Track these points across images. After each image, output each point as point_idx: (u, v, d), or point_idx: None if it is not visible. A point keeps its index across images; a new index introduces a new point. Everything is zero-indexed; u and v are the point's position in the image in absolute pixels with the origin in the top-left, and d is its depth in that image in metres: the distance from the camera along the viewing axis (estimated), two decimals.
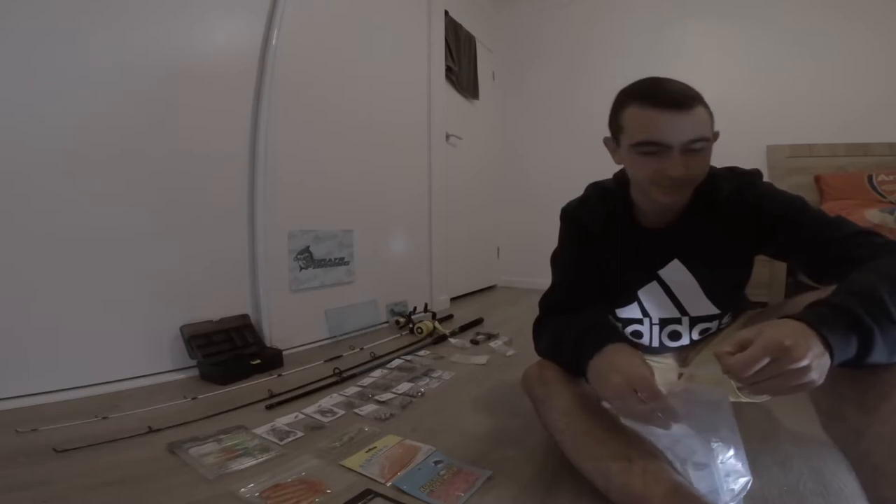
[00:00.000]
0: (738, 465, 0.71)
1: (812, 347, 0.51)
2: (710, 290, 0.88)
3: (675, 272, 0.88)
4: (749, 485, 0.72)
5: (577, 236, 0.94)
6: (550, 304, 0.96)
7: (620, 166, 0.89)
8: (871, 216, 1.84)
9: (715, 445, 0.69)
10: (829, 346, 0.51)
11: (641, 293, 0.91)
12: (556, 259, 1.00)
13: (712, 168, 0.81)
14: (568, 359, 0.82)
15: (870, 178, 2.22)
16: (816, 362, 0.50)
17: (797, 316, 0.55)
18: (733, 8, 2.78)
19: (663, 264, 0.88)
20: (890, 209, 1.84)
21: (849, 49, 2.52)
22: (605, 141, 0.86)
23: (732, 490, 0.69)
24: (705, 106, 0.73)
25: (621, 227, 0.89)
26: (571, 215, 0.97)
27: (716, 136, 0.77)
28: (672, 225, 0.86)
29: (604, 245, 0.90)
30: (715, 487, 0.67)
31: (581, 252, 0.94)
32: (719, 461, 0.68)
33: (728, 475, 0.70)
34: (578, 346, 0.78)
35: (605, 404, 0.78)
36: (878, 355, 0.53)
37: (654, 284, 0.89)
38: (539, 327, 0.96)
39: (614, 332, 0.82)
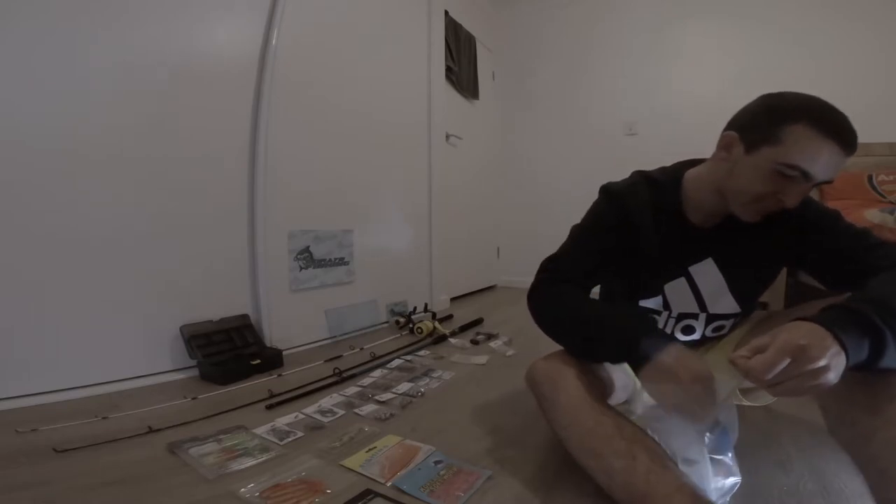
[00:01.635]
0: (729, 464, 0.71)
1: (829, 347, 0.52)
2: (736, 289, 0.88)
3: (706, 270, 0.88)
4: (738, 485, 0.72)
5: (616, 221, 0.89)
6: (557, 273, 0.90)
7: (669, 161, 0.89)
8: (871, 216, 1.84)
9: (707, 442, 0.70)
10: (843, 347, 0.52)
11: (667, 287, 0.91)
12: (581, 233, 0.94)
13: None
14: (600, 341, 0.78)
15: (870, 178, 2.22)
16: (834, 362, 0.51)
17: (811, 318, 0.56)
18: (733, 8, 2.78)
19: (696, 261, 0.88)
20: (890, 209, 1.84)
21: (849, 49, 2.52)
22: (728, 137, 0.78)
23: (721, 489, 0.70)
24: None
25: (666, 220, 0.87)
26: (616, 197, 0.90)
27: None
28: (717, 225, 0.86)
29: (642, 236, 0.88)
30: (703, 486, 0.67)
31: (612, 237, 0.89)
32: (709, 459, 0.69)
33: (717, 474, 0.70)
34: (632, 334, 0.74)
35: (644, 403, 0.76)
36: (890, 359, 0.54)
37: (682, 280, 0.90)
38: (543, 295, 0.90)
39: (663, 332, 0.79)
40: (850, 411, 0.59)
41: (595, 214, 0.94)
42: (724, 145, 0.79)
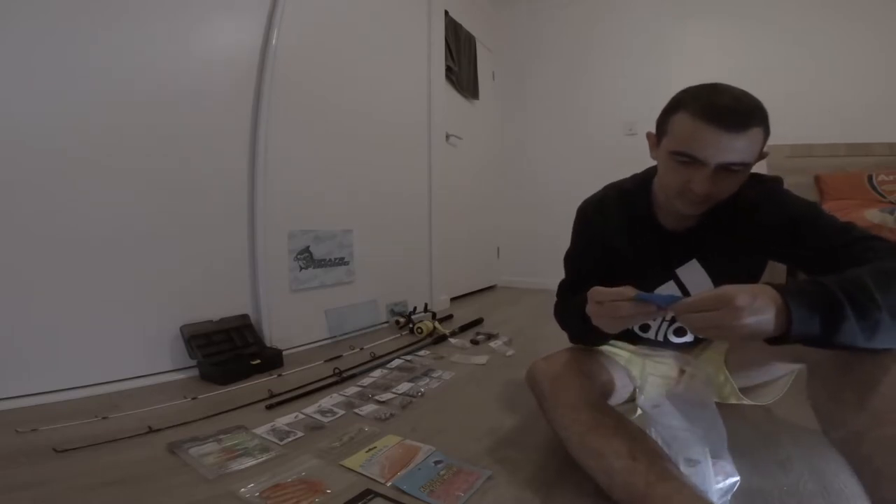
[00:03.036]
0: (727, 466, 0.72)
1: (757, 296, 0.54)
2: None
3: (693, 272, 0.88)
4: (737, 485, 0.73)
5: (591, 238, 0.96)
6: (565, 291, 1.00)
7: (653, 163, 0.90)
8: (871, 216, 1.84)
9: (707, 444, 0.70)
10: (787, 310, 0.54)
11: (658, 291, 0.91)
12: (570, 258, 1.01)
13: None
14: (580, 325, 0.83)
15: (870, 178, 2.22)
16: (753, 305, 0.53)
17: (771, 284, 0.57)
18: (733, 8, 2.78)
19: (681, 263, 0.88)
20: (890, 209, 1.84)
21: (849, 49, 2.53)
22: (648, 135, 0.85)
23: (721, 489, 0.70)
24: (764, 128, 0.70)
25: (641, 228, 0.89)
26: (587, 217, 0.98)
27: (763, 155, 0.76)
28: (691, 228, 0.86)
29: (621, 246, 0.91)
30: (705, 486, 0.67)
31: (594, 250, 0.95)
32: (710, 459, 0.69)
33: (717, 475, 0.70)
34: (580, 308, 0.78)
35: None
36: (851, 335, 0.53)
37: (671, 283, 0.90)
38: (558, 310, 0.99)
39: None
40: (840, 410, 0.59)
41: (574, 235, 1.01)
42: (649, 145, 0.85)
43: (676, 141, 0.73)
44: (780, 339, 0.56)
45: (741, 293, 0.54)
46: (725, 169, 0.70)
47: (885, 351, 0.56)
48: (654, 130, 0.83)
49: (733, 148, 0.68)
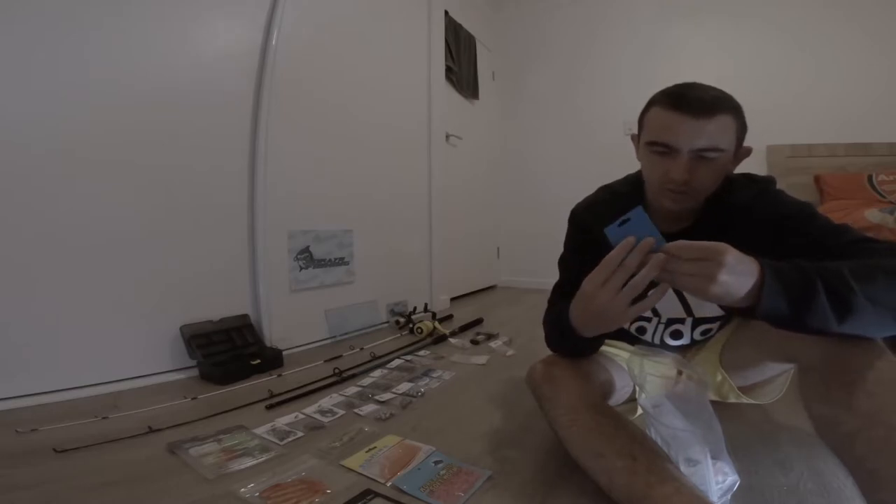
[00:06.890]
0: (725, 467, 0.72)
1: (743, 261, 0.56)
2: None
3: None
4: (736, 485, 0.73)
5: (583, 240, 0.95)
6: (555, 297, 0.98)
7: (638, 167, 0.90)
8: (871, 216, 1.84)
9: (707, 444, 0.70)
10: (762, 275, 0.56)
11: (652, 293, 0.91)
12: (563, 260, 1.01)
13: (730, 174, 0.82)
14: (561, 332, 0.82)
15: (870, 178, 2.22)
16: (736, 267, 0.56)
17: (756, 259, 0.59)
18: (733, 8, 2.78)
19: None
20: (890, 209, 1.84)
21: (849, 49, 2.53)
22: (632, 137, 0.88)
23: (721, 489, 0.70)
24: (734, 116, 0.73)
25: None
26: (578, 218, 0.98)
27: (746, 151, 0.77)
28: (686, 228, 0.86)
29: (604, 250, 0.90)
30: (705, 486, 0.67)
31: (585, 256, 0.92)
32: (710, 460, 0.69)
33: (717, 475, 0.70)
34: (563, 315, 0.80)
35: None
36: (822, 314, 0.55)
37: (664, 285, 0.89)
38: (545, 319, 0.98)
39: None
40: (831, 412, 0.59)
41: (567, 239, 1.02)
42: (634, 145, 0.87)
43: (651, 133, 0.77)
44: (751, 309, 0.57)
45: (730, 252, 0.56)
46: (700, 156, 0.72)
47: (870, 344, 0.57)
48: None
49: (702, 133, 0.71)
